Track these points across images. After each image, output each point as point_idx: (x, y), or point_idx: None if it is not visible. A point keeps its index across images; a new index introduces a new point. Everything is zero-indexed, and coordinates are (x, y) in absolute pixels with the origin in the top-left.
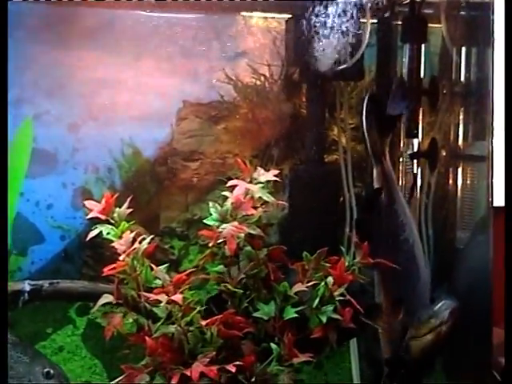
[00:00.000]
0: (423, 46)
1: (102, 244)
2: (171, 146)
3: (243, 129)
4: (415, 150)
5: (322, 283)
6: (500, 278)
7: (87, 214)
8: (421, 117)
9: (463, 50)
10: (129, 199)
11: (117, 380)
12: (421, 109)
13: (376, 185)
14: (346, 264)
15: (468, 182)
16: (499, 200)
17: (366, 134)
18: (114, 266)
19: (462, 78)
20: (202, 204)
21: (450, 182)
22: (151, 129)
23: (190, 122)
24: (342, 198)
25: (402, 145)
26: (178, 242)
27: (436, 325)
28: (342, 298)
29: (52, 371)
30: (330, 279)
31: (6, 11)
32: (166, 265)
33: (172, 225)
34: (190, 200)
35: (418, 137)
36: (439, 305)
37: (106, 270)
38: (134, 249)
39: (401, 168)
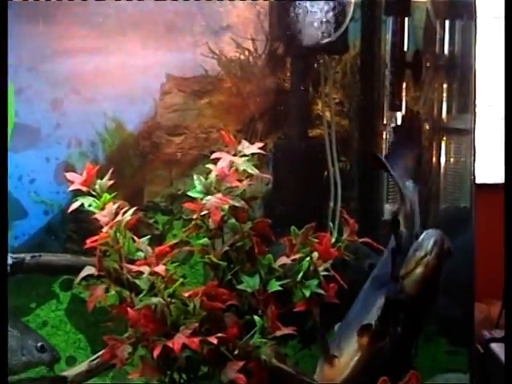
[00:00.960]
0: (407, 19)
1: (86, 219)
2: (155, 120)
3: (227, 103)
4: (398, 123)
5: (307, 258)
6: (482, 257)
7: (72, 197)
8: (404, 91)
9: (447, 23)
10: (110, 171)
11: (99, 353)
12: (404, 82)
13: None
14: (333, 240)
15: (452, 155)
16: (482, 177)
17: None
18: (96, 237)
19: (446, 52)
20: (186, 179)
21: (434, 155)
22: (135, 103)
23: (173, 96)
24: (326, 173)
25: (385, 117)
26: (162, 216)
27: (421, 256)
28: (326, 273)
29: (45, 345)
30: (315, 254)
31: (5, 11)
32: (148, 236)
33: (156, 199)
34: (173, 175)
35: (401, 110)
36: (422, 236)
37: (88, 241)
38: (117, 221)
39: (384, 140)
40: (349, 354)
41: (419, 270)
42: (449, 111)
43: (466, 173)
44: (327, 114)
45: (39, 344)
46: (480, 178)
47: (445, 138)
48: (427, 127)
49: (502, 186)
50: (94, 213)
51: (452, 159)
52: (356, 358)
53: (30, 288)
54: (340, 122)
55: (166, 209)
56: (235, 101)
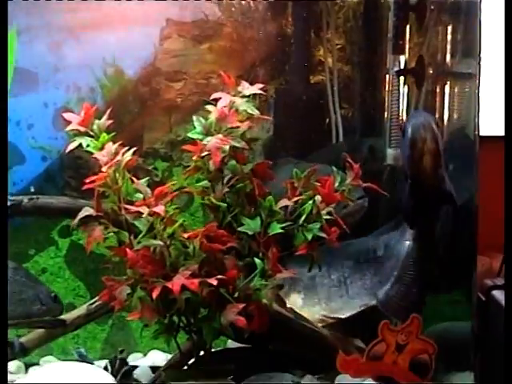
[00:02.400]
0: None
1: (85, 165)
2: (154, 65)
3: (228, 48)
4: (402, 67)
5: (310, 201)
6: (485, 210)
7: (69, 135)
8: (408, 34)
9: None
10: (108, 111)
11: (99, 296)
12: (408, 25)
13: None
14: (336, 184)
15: (456, 99)
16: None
17: None
18: (95, 177)
19: None
20: (185, 125)
21: (438, 99)
22: (134, 48)
23: (173, 41)
24: (328, 119)
25: (388, 62)
26: (162, 163)
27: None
28: (328, 216)
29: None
30: (318, 197)
31: (5, 11)
32: (147, 178)
33: (155, 146)
34: (173, 121)
35: (404, 53)
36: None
37: (87, 181)
38: (117, 160)
39: (387, 85)
40: None
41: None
42: (453, 55)
43: (470, 118)
44: (329, 59)
45: (53, 294)
46: (485, 131)
47: (449, 82)
48: (431, 71)
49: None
50: (92, 159)
51: (456, 104)
52: None
53: (28, 234)
54: (342, 68)
55: (166, 155)
56: (236, 46)
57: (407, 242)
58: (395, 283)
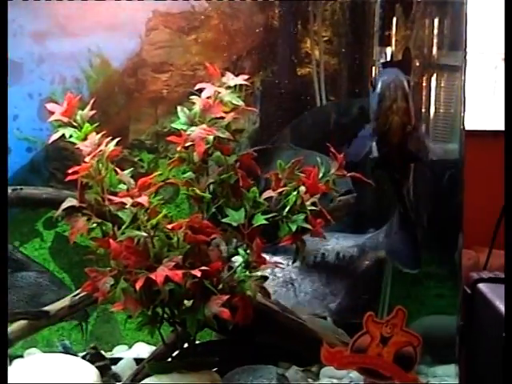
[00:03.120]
0: None
1: (70, 156)
2: (140, 56)
3: (214, 40)
4: (388, 59)
5: (294, 192)
6: (472, 205)
7: (54, 126)
8: (394, 26)
9: None
10: (91, 101)
11: (82, 287)
12: (394, 18)
13: None
14: (321, 175)
15: (442, 92)
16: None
17: None
18: (77, 168)
19: None
20: (171, 116)
21: (424, 92)
22: (120, 39)
23: (159, 32)
24: None
25: (374, 54)
26: (148, 154)
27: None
28: (313, 207)
29: None
30: (303, 188)
31: (5, 11)
32: (131, 169)
33: (141, 137)
34: (159, 112)
35: (391, 45)
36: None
37: (70, 171)
38: (100, 150)
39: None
40: None
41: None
42: (440, 48)
43: (456, 111)
44: (316, 52)
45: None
46: (471, 125)
47: (435, 75)
48: (417, 64)
49: (492, 133)
50: (76, 149)
51: (442, 96)
52: None
53: (13, 226)
54: (329, 61)
55: (152, 147)
56: (222, 38)
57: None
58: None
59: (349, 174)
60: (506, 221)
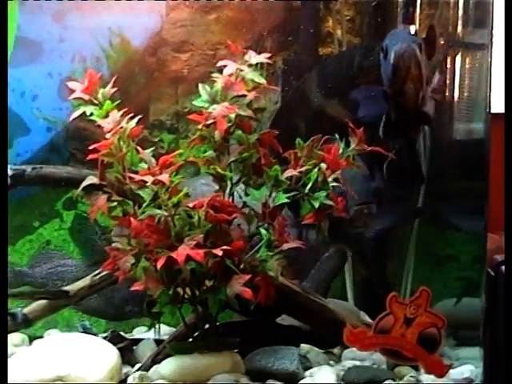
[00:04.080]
0: None
1: (90, 136)
2: (161, 35)
3: (236, 19)
4: None
5: (315, 169)
6: (495, 190)
7: (74, 106)
8: (419, 4)
9: None
10: (113, 79)
11: (103, 266)
12: None
13: None
14: (341, 150)
15: (467, 70)
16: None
17: None
18: (99, 144)
19: None
20: (192, 96)
21: (448, 71)
22: (140, 18)
23: (180, 11)
24: None
25: None
26: (168, 135)
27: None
28: (335, 183)
29: None
30: (323, 165)
31: (5, 11)
32: (152, 148)
33: (161, 117)
34: (180, 92)
35: (415, 23)
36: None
37: (90, 149)
38: (121, 127)
39: None
40: None
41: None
42: (465, 25)
43: (481, 91)
44: (338, 31)
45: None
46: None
47: (460, 54)
48: (442, 42)
49: None
50: (97, 129)
51: (467, 76)
52: None
53: (33, 207)
54: (351, 40)
55: (172, 127)
56: (244, 17)
57: None
58: None
59: (369, 149)
60: (506, 221)
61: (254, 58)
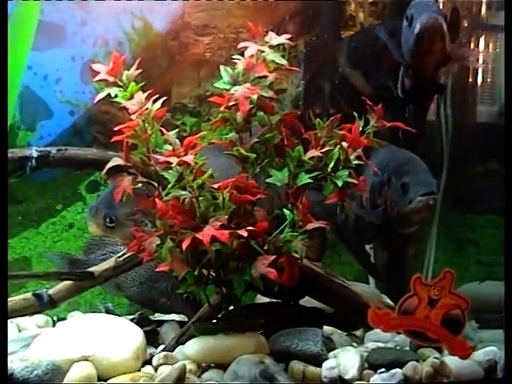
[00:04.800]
0: None
1: (112, 120)
2: (183, 19)
3: (257, 3)
4: None
5: (337, 148)
6: None
7: (97, 89)
8: None
9: None
10: (137, 61)
11: (128, 247)
12: None
13: None
14: (360, 129)
15: (490, 54)
16: None
17: None
18: (124, 125)
19: None
20: (214, 80)
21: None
22: (162, 2)
23: None
24: None
25: None
26: (190, 118)
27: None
28: (358, 161)
29: None
30: (345, 143)
31: (6, 11)
32: (176, 130)
33: (184, 101)
34: (202, 75)
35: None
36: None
37: (115, 130)
38: (146, 109)
39: None
40: None
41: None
42: (489, 7)
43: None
44: (360, 15)
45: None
46: None
47: (484, 36)
48: (466, 24)
49: None
50: (119, 113)
51: (491, 58)
52: None
53: (56, 190)
54: (373, 23)
55: (194, 110)
56: (265, 0)
57: None
58: None
59: (388, 125)
60: (505, 222)
61: (274, 39)
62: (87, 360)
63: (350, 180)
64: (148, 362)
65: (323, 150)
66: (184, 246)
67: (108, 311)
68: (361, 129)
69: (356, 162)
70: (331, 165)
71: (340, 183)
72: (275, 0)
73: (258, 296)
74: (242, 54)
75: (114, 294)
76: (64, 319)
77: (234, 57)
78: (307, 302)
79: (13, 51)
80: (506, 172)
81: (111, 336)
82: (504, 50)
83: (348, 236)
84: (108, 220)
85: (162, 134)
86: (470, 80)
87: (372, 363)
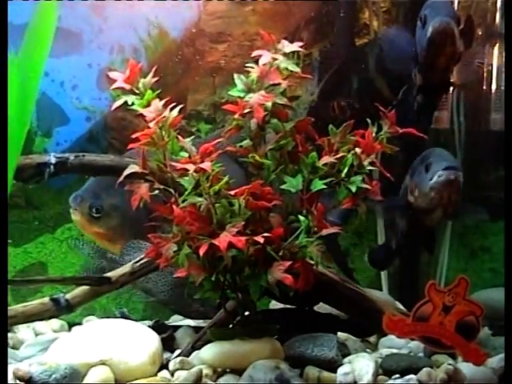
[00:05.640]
0: None
1: (128, 126)
2: (198, 26)
3: (272, 10)
4: None
5: (350, 154)
6: None
7: (113, 96)
8: None
9: None
10: (154, 68)
11: (145, 253)
12: None
13: None
14: (374, 134)
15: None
16: None
17: None
18: (141, 133)
19: None
20: (229, 87)
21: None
22: (178, 9)
23: (217, 2)
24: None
25: None
26: (205, 125)
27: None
28: (371, 167)
29: None
30: (358, 149)
31: (6, 11)
32: (192, 137)
33: (199, 108)
34: (217, 83)
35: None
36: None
37: (132, 137)
38: (164, 117)
39: None
40: None
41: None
42: (503, 16)
43: None
44: (374, 23)
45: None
46: None
47: (498, 44)
48: (480, 32)
49: None
50: (135, 120)
51: (505, 65)
52: None
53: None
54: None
55: (209, 117)
56: (280, 8)
57: None
58: None
59: (401, 131)
60: (505, 222)
61: (287, 46)
62: (104, 364)
63: (364, 185)
64: (164, 366)
65: (337, 156)
66: (201, 252)
67: (123, 316)
68: (374, 134)
69: (370, 167)
70: (345, 171)
71: (354, 189)
72: (290, 7)
73: (273, 302)
74: (257, 62)
75: (144, 299)
76: (79, 324)
77: (247, 65)
78: (321, 308)
79: (31, 57)
80: (506, 171)
81: (128, 340)
82: (504, 51)
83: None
84: (94, 210)
85: (179, 140)
86: (484, 88)
87: (386, 369)
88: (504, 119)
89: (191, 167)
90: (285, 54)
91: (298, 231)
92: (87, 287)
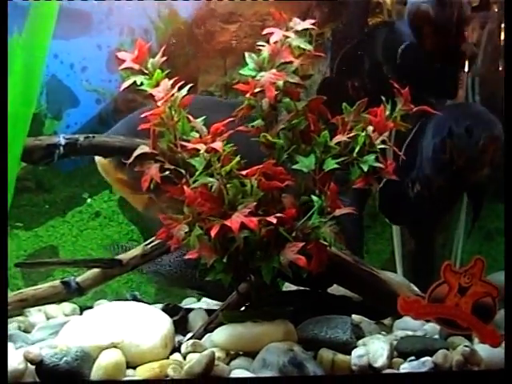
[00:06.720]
0: None
1: (138, 108)
2: (209, 7)
3: None
4: None
5: (363, 133)
6: None
7: (123, 78)
8: None
9: None
10: (162, 48)
11: (156, 234)
12: None
13: None
14: (387, 112)
15: None
16: None
17: None
18: (150, 113)
19: None
20: (240, 68)
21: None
22: None
23: None
24: None
25: None
26: None
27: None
28: (383, 146)
29: None
30: (370, 128)
31: (6, 11)
32: (203, 117)
33: (210, 89)
34: (228, 64)
35: None
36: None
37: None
38: (172, 95)
39: None
40: None
41: None
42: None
43: None
44: (387, 1)
45: None
46: None
47: None
48: (496, 9)
49: None
50: (145, 101)
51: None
52: None
53: (82, 178)
54: (401, 10)
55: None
56: None
57: None
58: None
59: (415, 109)
60: (505, 222)
61: (298, 24)
62: (116, 347)
63: (377, 164)
64: (176, 349)
65: (350, 135)
66: (213, 233)
67: (135, 299)
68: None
69: (381, 146)
70: (357, 149)
71: (366, 168)
72: None
73: (286, 284)
74: (268, 42)
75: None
76: (91, 307)
77: (258, 43)
78: (335, 290)
79: (35, 37)
80: (505, 171)
81: (139, 323)
82: (504, 51)
83: None
84: None
85: (189, 120)
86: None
87: (401, 351)
88: (504, 120)
89: (202, 147)
90: (297, 32)
91: (311, 212)
92: (98, 270)
